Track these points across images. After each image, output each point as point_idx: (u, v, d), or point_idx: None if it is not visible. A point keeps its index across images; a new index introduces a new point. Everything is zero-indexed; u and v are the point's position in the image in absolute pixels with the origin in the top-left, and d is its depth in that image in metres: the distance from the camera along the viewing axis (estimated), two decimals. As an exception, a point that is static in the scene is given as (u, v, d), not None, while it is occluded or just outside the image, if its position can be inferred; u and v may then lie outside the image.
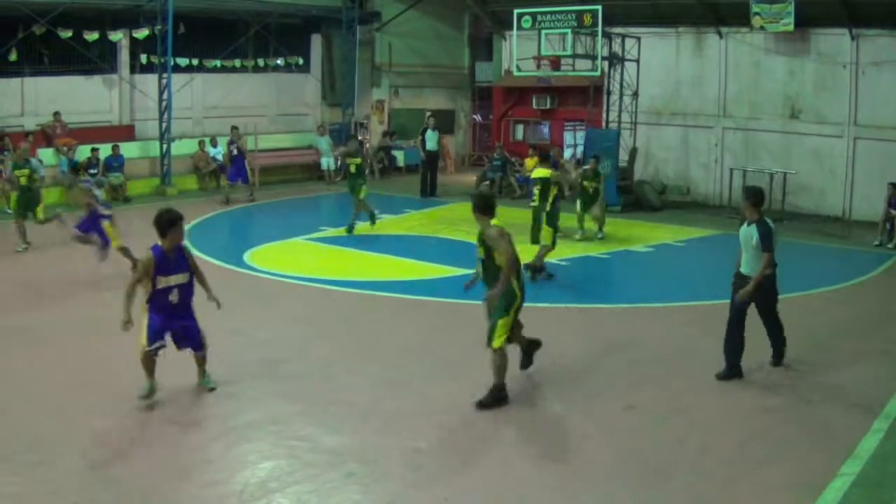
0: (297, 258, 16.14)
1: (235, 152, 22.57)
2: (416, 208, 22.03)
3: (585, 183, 18.15)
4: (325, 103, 29.32)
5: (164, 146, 23.62)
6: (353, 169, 18.55)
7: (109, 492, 6.75)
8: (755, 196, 9.74)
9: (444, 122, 29.89)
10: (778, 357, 10.13)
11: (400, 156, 29.39)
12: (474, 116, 33.59)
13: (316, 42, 29.11)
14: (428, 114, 26.42)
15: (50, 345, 10.54)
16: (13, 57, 21.94)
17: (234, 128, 22.96)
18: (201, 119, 25.73)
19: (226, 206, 21.90)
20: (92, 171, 22.22)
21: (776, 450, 7.76)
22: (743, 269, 9.69)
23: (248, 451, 7.57)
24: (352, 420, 8.28)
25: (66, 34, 22.38)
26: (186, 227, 18.35)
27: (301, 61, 28.50)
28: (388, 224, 19.63)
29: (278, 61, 27.76)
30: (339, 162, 19.77)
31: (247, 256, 15.84)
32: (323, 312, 12.48)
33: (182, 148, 24.36)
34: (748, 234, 9.57)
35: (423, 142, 24.32)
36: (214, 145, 24.84)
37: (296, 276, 14.50)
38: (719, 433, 8.16)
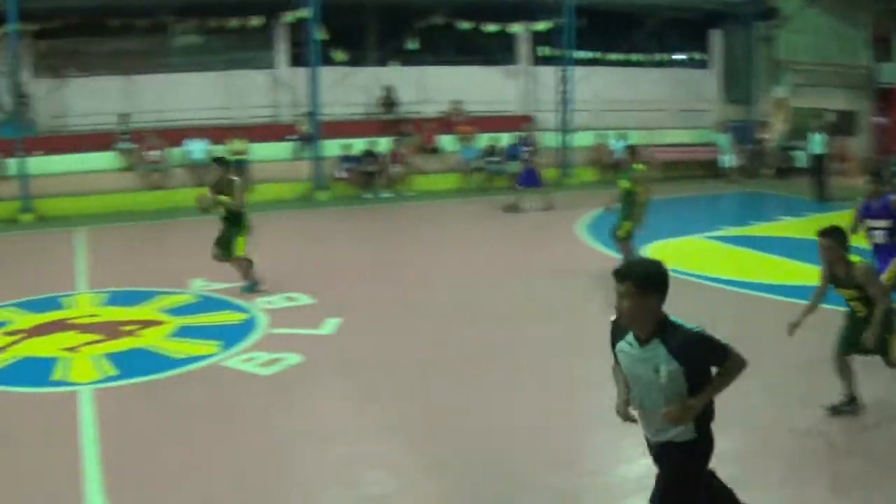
0: (694, 256, 15.72)
1: (526, 156, 20.41)
2: (817, 211, 20.83)
3: None
4: (724, 100, 28.51)
5: (563, 137, 24.03)
6: (222, 212, 12.69)
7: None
8: (647, 280, 4.62)
9: (844, 123, 27.94)
10: None
11: (800, 156, 27.83)
12: (876, 119, 30.92)
13: (715, 37, 28.41)
14: (822, 116, 24.70)
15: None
16: (413, 46, 23.38)
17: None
18: (600, 112, 25.92)
19: (513, 213, 19.98)
20: (493, 160, 23.17)
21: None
22: (654, 436, 4.94)
23: (633, 445, 7.29)
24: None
25: (466, 26, 23.49)
26: (583, 217, 18.70)
27: (699, 57, 27.94)
28: (789, 226, 18.75)
29: (678, 56, 27.33)
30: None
31: (642, 252, 15.63)
32: (719, 314, 11.77)
33: (580, 140, 24.74)
34: (647, 360, 4.68)
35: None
36: (625, 139, 24.79)
37: (695, 273, 14.09)
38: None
